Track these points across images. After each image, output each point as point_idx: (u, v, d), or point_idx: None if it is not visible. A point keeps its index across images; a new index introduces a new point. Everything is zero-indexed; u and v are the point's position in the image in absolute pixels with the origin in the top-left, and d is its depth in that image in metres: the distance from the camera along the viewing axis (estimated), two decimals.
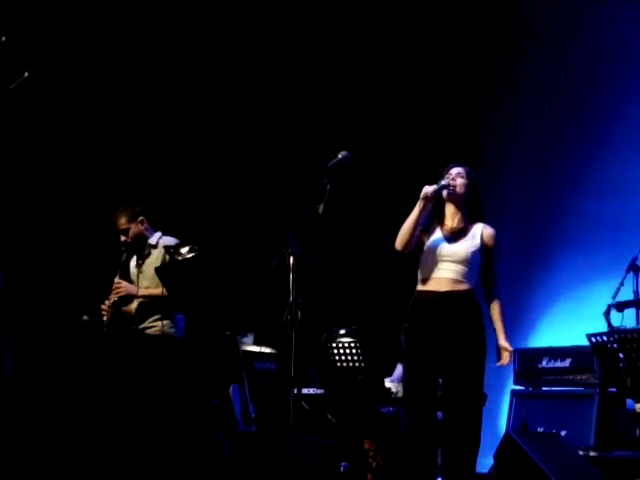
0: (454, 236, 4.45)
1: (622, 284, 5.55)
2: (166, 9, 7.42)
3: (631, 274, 5.65)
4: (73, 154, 6.95)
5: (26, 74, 4.14)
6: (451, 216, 4.48)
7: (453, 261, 4.40)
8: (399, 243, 4.41)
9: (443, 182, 4.41)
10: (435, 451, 4.43)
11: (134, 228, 5.29)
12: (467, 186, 4.48)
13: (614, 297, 5.44)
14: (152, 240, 5.35)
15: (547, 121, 7.48)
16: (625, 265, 5.71)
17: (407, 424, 4.40)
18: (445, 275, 4.40)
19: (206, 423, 5.45)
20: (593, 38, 7.26)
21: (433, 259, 4.41)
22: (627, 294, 5.57)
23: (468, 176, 4.51)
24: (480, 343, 4.37)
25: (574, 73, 7.38)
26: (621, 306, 5.43)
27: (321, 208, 4.17)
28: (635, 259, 5.65)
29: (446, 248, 4.42)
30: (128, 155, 7.16)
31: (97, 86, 7.07)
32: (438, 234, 4.46)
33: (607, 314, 5.34)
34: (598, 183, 7.06)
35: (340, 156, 4.36)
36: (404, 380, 4.61)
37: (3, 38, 4.08)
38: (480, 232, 4.48)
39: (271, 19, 7.74)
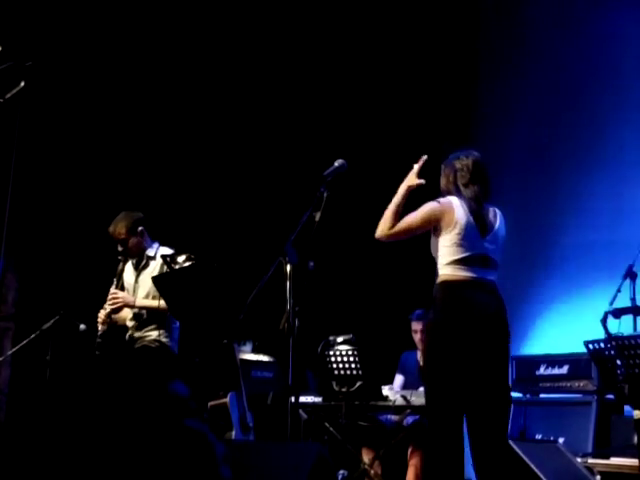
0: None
1: (619, 290, 5.53)
2: (162, 20, 7.44)
3: (628, 280, 5.63)
4: (72, 164, 6.97)
5: (22, 83, 4.14)
6: None
7: None
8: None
9: None
10: None
11: (133, 239, 5.19)
12: None
13: (611, 304, 5.43)
14: (150, 252, 5.26)
15: (544, 123, 7.47)
16: (622, 271, 5.71)
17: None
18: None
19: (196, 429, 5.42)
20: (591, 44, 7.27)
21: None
22: (624, 301, 5.56)
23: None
24: None
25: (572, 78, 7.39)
26: (618, 313, 5.42)
27: (318, 216, 4.16)
28: (632, 266, 5.63)
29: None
30: (126, 164, 7.17)
31: (96, 94, 7.09)
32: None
33: (604, 321, 5.33)
34: (596, 185, 7.07)
35: (336, 164, 4.35)
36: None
37: (0, 48, 4.09)
38: None
39: (256, 38, 7.77)
